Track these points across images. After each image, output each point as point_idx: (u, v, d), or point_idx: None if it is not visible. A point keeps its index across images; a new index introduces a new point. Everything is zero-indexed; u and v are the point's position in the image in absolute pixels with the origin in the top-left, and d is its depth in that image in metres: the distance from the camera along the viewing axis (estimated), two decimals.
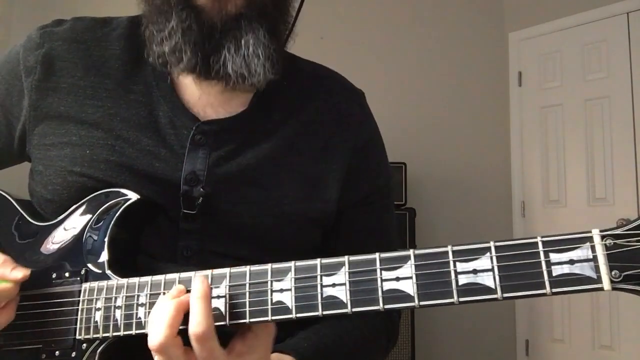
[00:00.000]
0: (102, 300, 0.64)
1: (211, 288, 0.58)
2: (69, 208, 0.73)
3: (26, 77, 0.77)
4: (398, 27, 3.90)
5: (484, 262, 0.50)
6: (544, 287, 0.48)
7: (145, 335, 0.59)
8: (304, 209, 0.75)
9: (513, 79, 3.90)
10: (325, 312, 0.54)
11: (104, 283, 0.65)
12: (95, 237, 0.69)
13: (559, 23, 3.69)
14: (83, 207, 0.72)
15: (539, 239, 0.49)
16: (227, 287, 0.58)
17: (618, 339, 3.31)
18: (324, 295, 0.54)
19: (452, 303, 0.50)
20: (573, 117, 3.61)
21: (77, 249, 0.69)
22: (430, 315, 3.58)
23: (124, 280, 0.63)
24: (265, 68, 0.71)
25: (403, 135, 3.56)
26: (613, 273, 0.47)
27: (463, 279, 0.50)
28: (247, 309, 0.57)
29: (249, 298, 0.57)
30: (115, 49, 0.78)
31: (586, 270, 0.48)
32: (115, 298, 0.63)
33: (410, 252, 0.53)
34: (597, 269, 0.48)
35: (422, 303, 0.51)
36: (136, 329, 0.61)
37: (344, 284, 0.54)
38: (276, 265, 0.57)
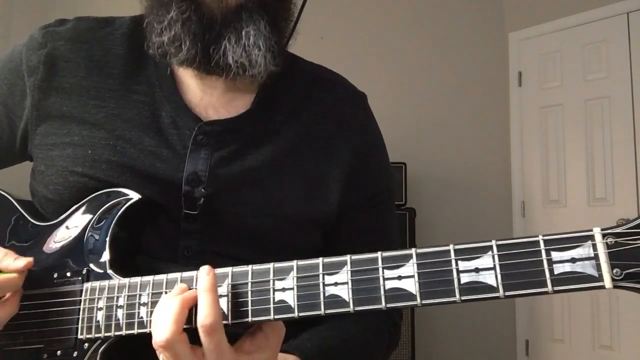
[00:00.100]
0: (104, 299, 0.64)
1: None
2: (70, 208, 0.73)
3: (29, 77, 0.77)
4: (398, 27, 3.90)
5: (485, 260, 0.50)
6: (545, 286, 0.48)
7: (147, 335, 0.60)
8: (305, 210, 0.75)
9: (513, 79, 3.90)
10: (327, 311, 0.54)
11: (105, 283, 0.65)
12: (97, 237, 0.69)
13: (559, 23, 3.69)
14: (84, 207, 0.72)
15: (540, 238, 0.50)
16: (229, 286, 0.58)
17: (618, 339, 3.31)
18: (326, 294, 0.54)
19: (454, 302, 0.50)
20: (573, 117, 3.61)
21: (78, 249, 0.70)
22: (431, 315, 3.59)
23: (126, 280, 0.63)
24: (267, 59, 0.70)
25: (403, 135, 3.56)
26: (614, 271, 0.47)
27: (465, 278, 0.50)
28: (249, 307, 0.57)
29: (251, 297, 0.57)
30: (118, 48, 0.78)
31: (588, 268, 0.48)
32: (117, 297, 0.63)
33: (412, 250, 0.53)
34: (598, 267, 0.48)
35: (424, 302, 0.51)
36: (138, 329, 0.61)
37: (346, 283, 0.54)
38: (278, 265, 0.57)
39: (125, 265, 0.68)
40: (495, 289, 0.50)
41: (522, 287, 0.49)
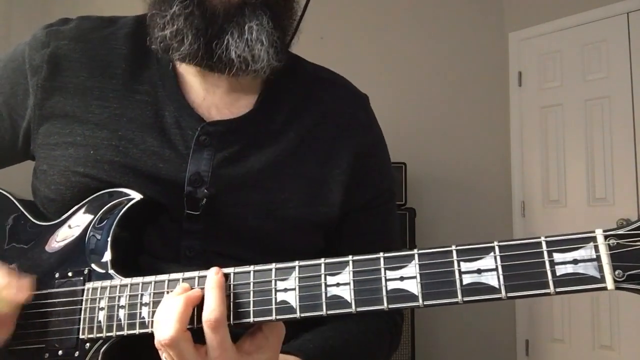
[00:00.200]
0: (106, 299, 0.64)
1: None
2: (71, 208, 0.73)
3: (32, 77, 0.76)
4: (398, 27, 3.90)
5: (488, 261, 0.50)
6: (547, 287, 0.48)
7: (148, 335, 0.60)
8: (307, 212, 0.75)
9: (513, 79, 3.90)
10: (329, 312, 0.54)
11: (107, 283, 0.65)
12: (99, 237, 0.69)
13: (559, 23, 3.69)
14: (86, 207, 0.72)
15: (542, 239, 0.50)
16: (231, 286, 0.58)
17: (618, 339, 3.31)
18: (328, 295, 0.54)
19: (457, 302, 0.50)
20: (573, 117, 3.61)
21: (80, 249, 0.70)
22: (431, 315, 3.59)
23: (128, 280, 0.64)
24: (269, 54, 0.70)
25: (403, 135, 3.56)
26: (616, 273, 0.47)
27: (467, 279, 0.50)
28: (251, 308, 0.57)
29: (253, 297, 0.57)
30: (122, 48, 0.78)
31: (590, 270, 0.48)
32: (119, 297, 0.63)
33: (415, 251, 0.53)
34: (600, 268, 0.48)
35: (426, 303, 0.51)
36: (140, 329, 0.61)
37: (348, 284, 0.54)
38: (280, 265, 0.57)
39: (127, 265, 0.68)
40: (497, 290, 0.50)
41: (524, 289, 0.49)
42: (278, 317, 0.56)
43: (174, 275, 0.61)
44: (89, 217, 0.71)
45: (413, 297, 0.52)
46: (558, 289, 0.48)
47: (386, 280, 0.53)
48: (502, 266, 0.50)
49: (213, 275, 0.57)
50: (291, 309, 0.55)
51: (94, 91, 0.76)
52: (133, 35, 0.79)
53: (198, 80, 0.77)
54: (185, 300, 0.56)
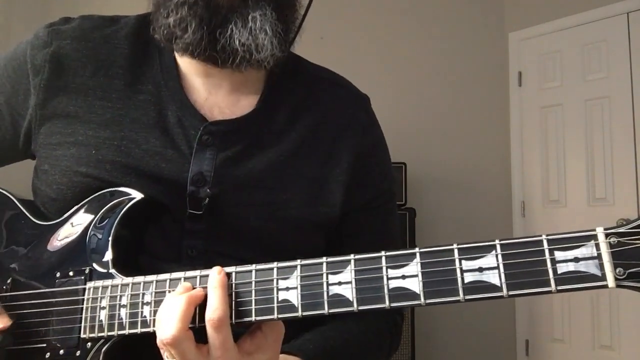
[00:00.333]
0: (107, 299, 0.64)
1: None
2: (72, 208, 0.73)
3: (34, 76, 0.76)
4: (398, 26, 3.90)
5: (489, 260, 0.51)
6: (549, 285, 0.49)
7: (149, 334, 0.60)
8: (309, 212, 0.76)
9: (513, 79, 3.91)
10: (331, 310, 0.54)
11: (108, 282, 0.65)
12: (100, 236, 0.69)
13: (559, 23, 3.69)
14: (87, 206, 0.72)
15: (544, 237, 0.50)
16: (233, 285, 0.58)
17: (618, 339, 3.31)
18: (330, 294, 0.55)
19: (458, 301, 0.50)
20: (573, 117, 3.61)
21: (81, 248, 0.70)
22: (430, 315, 3.59)
23: (129, 279, 0.64)
24: (273, 44, 0.70)
25: (403, 135, 3.56)
26: (617, 271, 0.48)
27: (469, 277, 0.51)
28: (253, 307, 0.57)
29: (255, 296, 0.57)
30: (123, 48, 0.78)
31: (591, 268, 0.48)
32: (120, 297, 0.63)
33: (416, 250, 0.53)
34: (601, 266, 0.48)
35: (428, 301, 0.51)
36: (141, 328, 0.61)
37: (350, 282, 0.54)
38: (282, 264, 0.57)
39: (128, 265, 0.68)
40: (499, 289, 0.50)
41: (525, 287, 0.49)
42: (280, 315, 0.56)
43: (175, 275, 0.61)
44: (90, 216, 0.71)
45: (415, 296, 0.52)
46: (559, 287, 0.48)
47: (388, 278, 0.53)
48: (504, 264, 0.50)
49: (215, 275, 0.58)
50: (293, 308, 0.55)
51: (97, 91, 0.76)
52: (135, 35, 0.79)
53: (200, 81, 0.77)
54: (187, 299, 0.56)
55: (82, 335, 0.65)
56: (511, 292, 0.49)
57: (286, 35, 0.73)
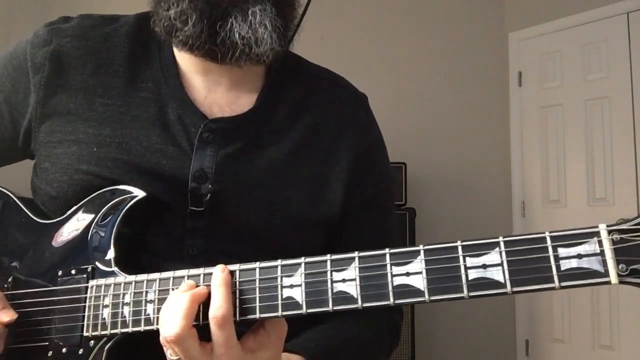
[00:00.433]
0: (110, 297, 0.64)
1: None
2: (73, 206, 0.73)
3: (34, 75, 0.76)
4: (398, 27, 3.90)
5: (493, 257, 0.51)
6: (552, 281, 0.49)
7: (153, 332, 0.60)
8: (309, 210, 0.76)
9: (513, 79, 3.91)
10: (335, 308, 0.54)
11: (111, 280, 0.65)
12: (102, 234, 0.69)
13: (559, 23, 3.69)
14: (88, 205, 0.72)
15: (547, 234, 0.50)
16: (237, 282, 0.58)
17: (618, 339, 3.31)
18: (335, 291, 0.55)
19: (462, 297, 0.51)
20: (573, 117, 3.61)
21: (83, 246, 0.70)
22: (431, 315, 3.59)
23: (132, 277, 0.64)
24: (272, 39, 0.70)
25: (403, 135, 3.56)
26: (620, 267, 0.48)
27: (473, 274, 0.51)
28: (257, 304, 0.57)
29: (259, 294, 0.57)
30: (123, 46, 0.78)
31: (594, 264, 0.48)
32: (123, 295, 0.63)
33: (420, 247, 0.53)
34: (604, 263, 0.48)
35: (432, 298, 0.52)
36: (145, 326, 0.61)
37: (354, 280, 0.54)
38: (286, 262, 0.58)
39: (130, 263, 0.68)
40: (503, 285, 0.50)
41: (529, 283, 0.49)
42: (284, 313, 0.56)
43: (178, 273, 0.61)
44: (92, 214, 0.71)
45: (419, 292, 0.52)
46: (563, 283, 0.49)
47: (392, 275, 0.53)
48: (507, 261, 0.50)
49: (219, 273, 0.58)
50: (297, 305, 0.55)
51: (97, 89, 0.76)
52: (135, 33, 0.79)
53: (200, 79, 0.77)
54: (191, 297, 0.57)
55: (85, 334, 0.65)
56: (515, 289, 0.50)
57: (285, 31, 0.74)
